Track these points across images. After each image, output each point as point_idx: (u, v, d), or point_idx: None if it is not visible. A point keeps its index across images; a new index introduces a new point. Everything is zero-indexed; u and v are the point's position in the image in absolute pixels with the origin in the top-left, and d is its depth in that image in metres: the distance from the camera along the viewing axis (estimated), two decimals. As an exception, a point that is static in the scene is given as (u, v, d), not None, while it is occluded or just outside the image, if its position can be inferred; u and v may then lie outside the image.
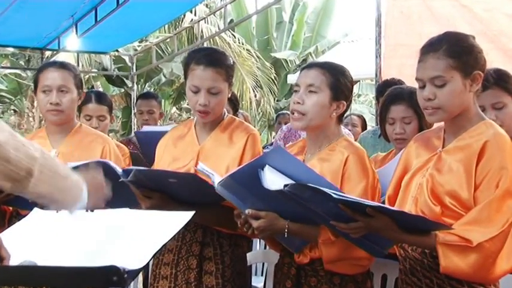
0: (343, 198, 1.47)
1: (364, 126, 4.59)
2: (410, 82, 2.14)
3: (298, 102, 1.83)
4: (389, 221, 1.51)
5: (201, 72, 1.95)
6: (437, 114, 1.62)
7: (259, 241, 3.32)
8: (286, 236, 1.74)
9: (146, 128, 3.39)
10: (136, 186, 1.86)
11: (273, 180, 1.55)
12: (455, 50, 1.59)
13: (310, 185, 1.49)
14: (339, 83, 1.84)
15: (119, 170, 1.85)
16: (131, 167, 1.85)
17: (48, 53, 7.66)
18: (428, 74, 1.61)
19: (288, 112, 5.76)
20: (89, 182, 1.35)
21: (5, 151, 1.16)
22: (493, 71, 2.01)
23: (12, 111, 14.86)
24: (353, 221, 1.53)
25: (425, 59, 1.62)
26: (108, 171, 1.85)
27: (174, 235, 1.42)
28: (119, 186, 1.86)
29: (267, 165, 1.56)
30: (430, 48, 1.62)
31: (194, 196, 1.86)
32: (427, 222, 1.52)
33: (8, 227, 1.49)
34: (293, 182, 1.53)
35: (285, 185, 1.50)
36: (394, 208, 1.61)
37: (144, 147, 3.05)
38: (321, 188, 1.48)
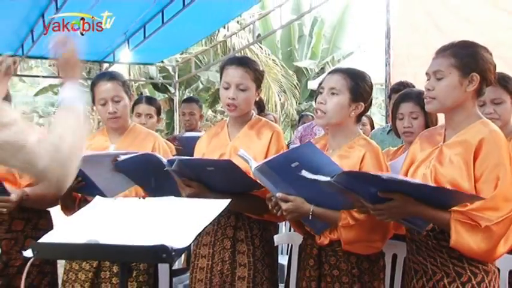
0: (392, 177, 1.40)
1: (372, 125, 4.60)
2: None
3: (321, 102, 1.82)
4: (403, 197, 1.46)
5: (232, 70, 1.98)
6: (432, 103, 1.62)
7: (285, 224, 3.32)
8: (310, 218, 1.74)
9: (186, 134, 3.61)
10: (179, 175, 1.87)
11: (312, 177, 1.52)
12: (459, 52, 1.61)
13: (356, 171, 1.49)
14: (358, 87, 1.82)
15: (164, 160, 1.85)
16: (175, 157, 1.84)
17: (105, 65, 7.79)
18: (432, 68, 1.63)
19: (310, 113, 5.73)
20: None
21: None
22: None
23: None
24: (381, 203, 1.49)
25: (435, 58, 1.65)
26: (155, 162, 1.88)
27: (213, 219, 1.43)
28: (165, 177, 1.87)
29: (303, 170, 1.53)
30: (442, 49, 1.65)
31: (228, 184, 1.86)
32: (461, 195, 1.46)
33: (77, 210, 1.53)
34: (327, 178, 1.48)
35: (332, 176, 1.46)
36: (434, 185, 1.54)
37: (185, 149, 3.18)
38: (369, 173, 1.47)
